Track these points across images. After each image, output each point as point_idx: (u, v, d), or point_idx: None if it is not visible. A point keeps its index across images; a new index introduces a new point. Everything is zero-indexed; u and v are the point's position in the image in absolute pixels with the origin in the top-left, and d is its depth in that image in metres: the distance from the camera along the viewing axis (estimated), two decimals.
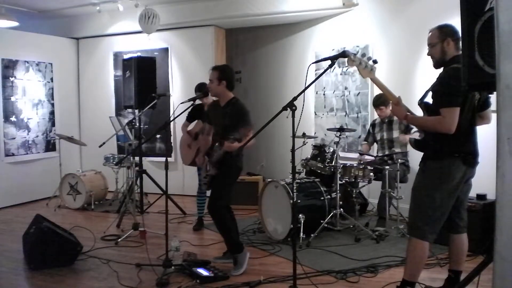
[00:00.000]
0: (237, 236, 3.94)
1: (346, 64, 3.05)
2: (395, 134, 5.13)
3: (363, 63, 2.93)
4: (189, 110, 4.51)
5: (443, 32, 2.85)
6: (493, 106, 2.97)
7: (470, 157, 2.83)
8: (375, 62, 2.98)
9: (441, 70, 2.91)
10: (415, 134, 4.85)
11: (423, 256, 2.87)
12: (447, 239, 3.09)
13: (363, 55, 2.95)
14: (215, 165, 3.84)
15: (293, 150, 3.12)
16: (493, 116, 2.78)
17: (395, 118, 5.13)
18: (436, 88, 2.82)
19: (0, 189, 6.43)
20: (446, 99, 2.74)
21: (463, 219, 3.01)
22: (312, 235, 4.52)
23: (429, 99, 2.91)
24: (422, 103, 2.95)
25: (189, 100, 4.82)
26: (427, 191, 2.85)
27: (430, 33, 2.92)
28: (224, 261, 3.99)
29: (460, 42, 2.84)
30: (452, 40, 2.83)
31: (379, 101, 5.15)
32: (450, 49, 2.84)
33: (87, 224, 5.41)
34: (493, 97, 2.82)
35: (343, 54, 2.94)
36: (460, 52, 2.85)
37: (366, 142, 5.51)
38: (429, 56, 2.95)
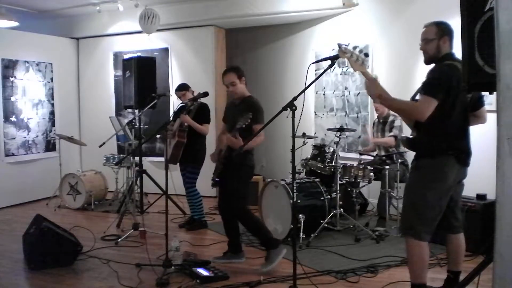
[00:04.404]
0: (268, 231, 3.93)
1: (338, 53, 2.96)
2: (387, 134, 5.16)
3: (354, 56, 2.89)
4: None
5: (441, 29, 2.84)
6: (492, 106, 2.97)
7: (464, 156, 2.82)
8: (366, 55, 2.93)
9: (431, 66, 2.90)
10: (393, 133, 4.96)
11: (422, 256, 2.81)
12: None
13: (355, 47, 2.92)
14: (222, 160, 3.85)
15: (293, 150, 3.12)
16: (493, 117, 2.78)
17: (389, 119, 5.16)
18: (424, 80, 2.81)
19: (0, 189, 6.43)
20: (428, 88, 2.74)
21: (458, 219, 2.99)
22: (312, 235, 4.52)
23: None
24: (414, 100, 2.92)
25: (190, 100, 4.86)
26: (421, 189, 2.81)
27: (425, 28, 2.90)
28: (224, 261, 3.99)
29: (453, 40, 2.85)
30: (448, 39, 2.83)
31: None
32: (445, 47, 2.83)
33: (87, 224, 5.41)
34: (493, 97, 2.83)
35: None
36: (452, 50, 2.85)
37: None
38: (422, 51, 2.93)
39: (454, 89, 2.70)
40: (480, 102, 2.91)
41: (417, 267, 2.83)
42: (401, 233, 3.05)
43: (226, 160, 3.82)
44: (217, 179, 3.90)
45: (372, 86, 2.92)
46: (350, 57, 2.89)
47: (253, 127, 3.69)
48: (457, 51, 2.39)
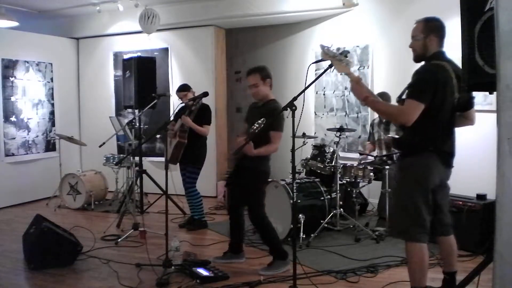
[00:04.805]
0: (280, 242, 3.90)
1: (321, 55, 2.92)
2: (392, 134, 5.13)
3: (337, 57, 2.84)
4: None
5: (428, 27, 2.79)
6: (492, 106, 2.97)
7: (448, 157, 2.80)
8: (344, 53, 2.87)
9: (419, 64, 2.86)
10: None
11: (422, 258, 2.74)
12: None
13: (338, 49, 2.88)
14: (234, 159, 3.82)
15: (293, 150, 3.12)
16: (493, 117, 2.78)
17: None
18: (411, 81, 2.76)
19: (0, 189, 6.42)
20: (415, 91, 2.69)
21: (445, 222, 2.94)
22: (312, 235, 4.52)
23: None
24: (400, 100, 2.87)
25: (190, 100, 4.86)
26: (408, 190, 2.78)
27: (415, 25, 2.86)
28: (224, 261, 4.00)
29: (444, 38, 2.81)
30: (436, 37, 2.78)
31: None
32: (432, 45, 2.78)
33: (87, 224, 5.41)
34: (493, 97, 2.83)
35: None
36: (442, 48, 2.81)
37: (369, 142, 5.52)
38: (410, 48, 2.88)
39: (440, 91, 2.66)
40: (470, 103, 2.87)
41: (417, 270, 2.76)
42: (391, 236, 3.00)
43: (238, 160, 3.78)
44: (229, 180, 3.87)
45: (358, 88, 2.88)
46: (334, 59, 2.86)
47: (270, 133, 3.63)
48: (457, 51, 2.38)
